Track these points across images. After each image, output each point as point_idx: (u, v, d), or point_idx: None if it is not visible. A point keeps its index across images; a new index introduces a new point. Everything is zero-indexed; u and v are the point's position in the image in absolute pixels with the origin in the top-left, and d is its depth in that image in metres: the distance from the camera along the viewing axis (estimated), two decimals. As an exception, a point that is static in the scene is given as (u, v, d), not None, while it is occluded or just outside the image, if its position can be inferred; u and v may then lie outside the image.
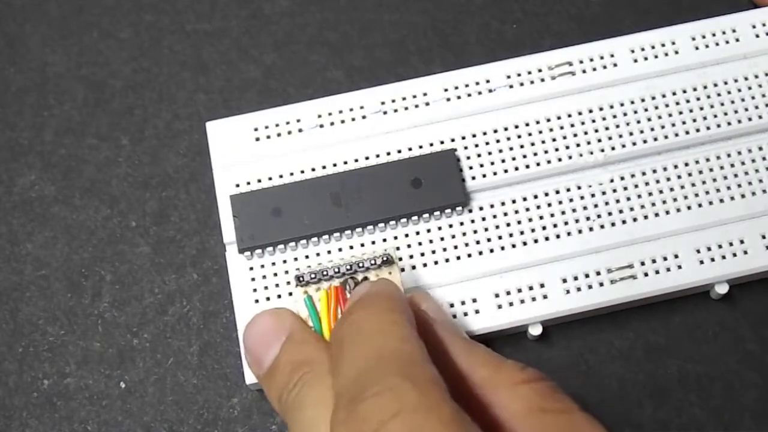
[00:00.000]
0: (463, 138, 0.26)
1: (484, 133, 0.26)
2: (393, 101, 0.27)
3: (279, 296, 0.25)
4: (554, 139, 0.26)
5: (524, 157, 0.26)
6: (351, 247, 0.25)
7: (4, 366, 0.26)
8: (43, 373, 0.26)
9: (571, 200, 0.26)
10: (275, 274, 0.25)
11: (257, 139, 0.26)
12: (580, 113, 0.26)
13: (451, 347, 0.21)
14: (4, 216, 0.28)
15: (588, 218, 0.25)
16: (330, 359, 0.20)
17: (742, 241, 0.25)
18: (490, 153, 0.26)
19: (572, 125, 0.26)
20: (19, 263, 0.27)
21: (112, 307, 0.27)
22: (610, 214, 0.26)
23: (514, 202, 0.26)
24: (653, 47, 0.27)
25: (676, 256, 0.25)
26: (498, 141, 0.26)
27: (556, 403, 0.19)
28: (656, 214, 0.26)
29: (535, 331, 0.25)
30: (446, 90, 0.27)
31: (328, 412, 0.18)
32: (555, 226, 0.25)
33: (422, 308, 0.23)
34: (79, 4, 0.30)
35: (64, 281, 0.27)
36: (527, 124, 0.26)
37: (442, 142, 0.26)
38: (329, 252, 0.25)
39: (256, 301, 0.25)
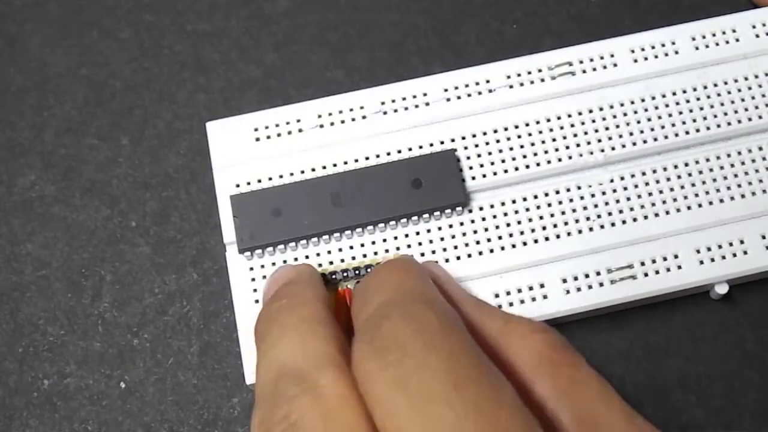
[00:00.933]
0: (463, 138, 0.26)
1: (484, 133, 0.26)
2: (393, 101, 0.27)
3: (279, 296, 0.25)
4: (554, 139, 0.26)
5: (524, 157, 0.26)
6: (351, 248, 0.25)
7: (5, 366, 0.26)
8: (43, 373, 0.26)
9: (571, 200, 0.26)
10: (275, 274, 0.25)
11: (257, 139, 0.26)
12: (580, 113, 0.26)
13: (462, 304, 0.21)
14: (4, 216, 0.28)
15: (588, 218, 0.25)
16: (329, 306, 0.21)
17: (742, 241, 0.25)
18: (490, 153, 0.26)
19: (572, 125, 0.26)
20: (19, 263, 0.27)
21: (113, 307, 0.27)
22: (610, 214, 0.26)
23: (514, 202, 0.26)
24: (653, 47, 0.27)
25: (676, 257, 0.25)
26: (498, 141, 0.26)
27: (566, 356, 0.19)
28: (656, 214, 0.26)
29: (535, 331, 0.25)
30: (446, 90, 0.27)
31: (292, 336, 0.19)
32: (555, 226, 0.25)
33: (434, 272, 0.23)
34: (80, 4, 0.30)
35: (64, 281, 0.27)
36: (527, 124, 0.26)
37: (442, 142, 0.26)
38: (329, 252, 0.25)
39: (256, 301, 0.25)
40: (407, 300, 0.19)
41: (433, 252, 0.25)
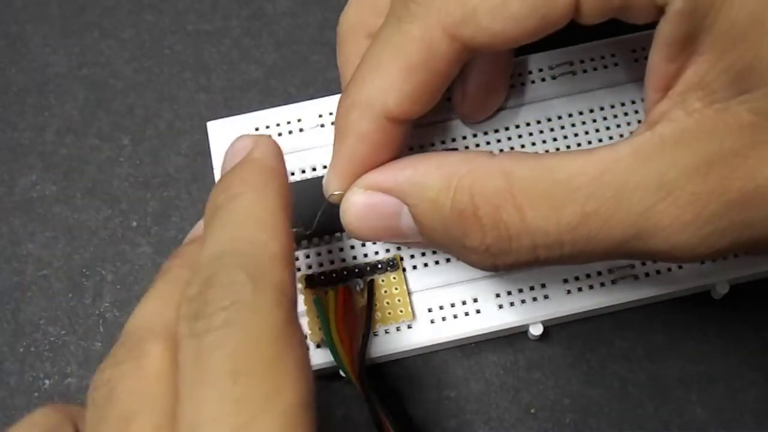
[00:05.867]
0: (464, 138, 0.26)
1: (485, 133, 0.26)
2: (394, 101, 0.27)
3: (280, 296, 0.25)
4: (555, 139, 0.26)
5: (525, 156, 0.26)
6: (352, 247, 0.25)
7: (6, 366, 0.26)
8: (44, 373, 0.26)
9: (571, 200, 0.26)
10: (276, 274, 0.25)
11: (258, 139, 0.26)
12: (580, 113, 0.26)
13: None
14: (6, 216, 0.28)
15: (589, 218, 0.25)
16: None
17: (742, 241, 0.25)
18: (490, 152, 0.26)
19: (573, 125, 0.26)
20: (21, 263, 0.27)
21: (114, 307, 0.27)
22: (610, 213, 0.26)
23: (514, 201, 0.26)
24: (654, 47, 0.27)
25: (677, 256, 0.25)
26: (499, 141, 0.26)
27: None
28: (657, 214, 0.25)
29: (536, 330, 0.25)
30: (447, 90, 0.27)
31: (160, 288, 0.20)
32: (556, 225, 0.25)
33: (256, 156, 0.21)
34: (80, 4, 0.30)
35: (65, 281, 0.27)
36: (528, 124, 0.26)
37: (443, 142, 0.26)
38: (330, 252, 0.25)
39: (257, 300, 0.25)
40: (237, 263, 0.17)
41: (434, 252, 0.25)
